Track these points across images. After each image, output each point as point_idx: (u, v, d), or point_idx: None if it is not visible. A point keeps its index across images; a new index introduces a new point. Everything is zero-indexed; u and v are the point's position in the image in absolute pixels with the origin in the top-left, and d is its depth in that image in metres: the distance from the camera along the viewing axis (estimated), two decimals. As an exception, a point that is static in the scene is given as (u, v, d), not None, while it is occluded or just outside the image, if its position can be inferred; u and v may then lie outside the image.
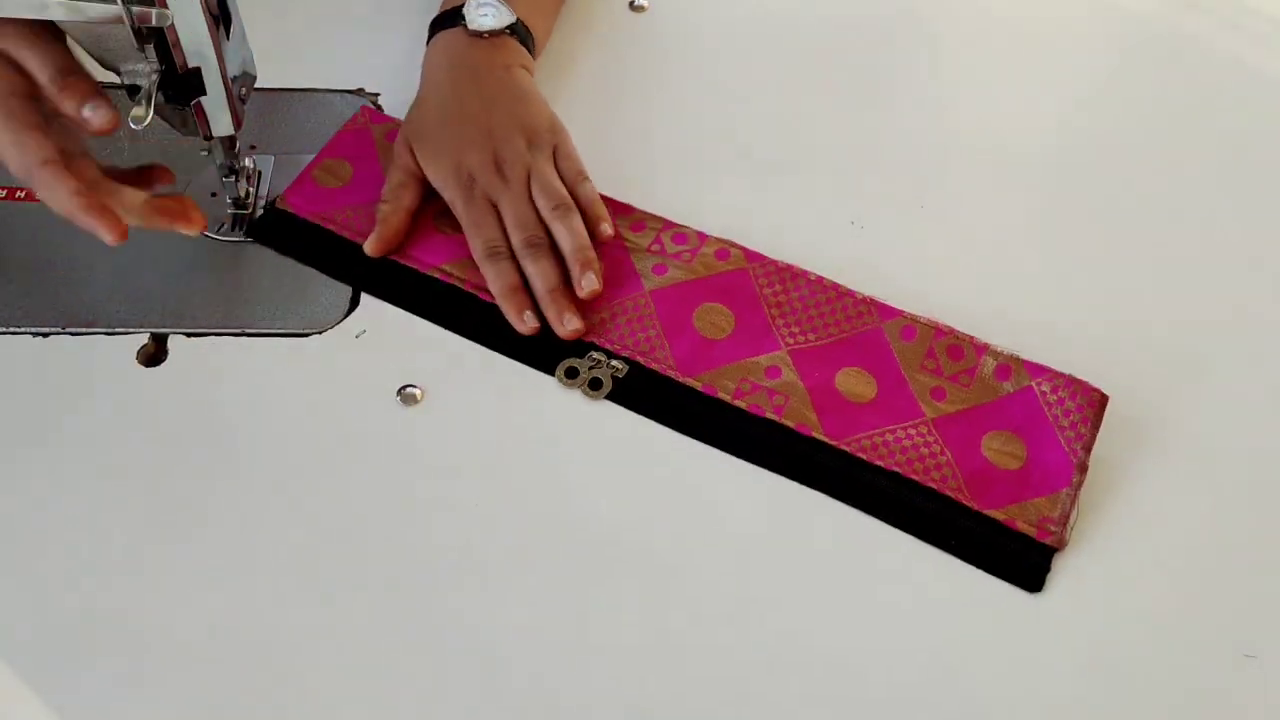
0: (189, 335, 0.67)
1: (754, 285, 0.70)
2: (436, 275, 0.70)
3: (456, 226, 0.71)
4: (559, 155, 0.73)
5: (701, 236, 0.72)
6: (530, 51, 0.78)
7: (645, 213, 0.73)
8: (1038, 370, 0.65)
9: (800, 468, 0.63)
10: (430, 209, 0.72)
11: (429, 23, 0.78)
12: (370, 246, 0.70)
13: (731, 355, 0.67)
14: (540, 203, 0.70)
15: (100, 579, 0.58)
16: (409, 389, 0.65)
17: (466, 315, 0.68)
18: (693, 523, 0.61)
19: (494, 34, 0.76)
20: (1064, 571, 0.60)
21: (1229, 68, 0.87)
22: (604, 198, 0.73)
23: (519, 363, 0.67)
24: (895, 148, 0.79)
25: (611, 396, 0.65)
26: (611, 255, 0.71)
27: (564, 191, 0.70)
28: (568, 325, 0.67)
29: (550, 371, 0.66)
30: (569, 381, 0.66)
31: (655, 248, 0.71)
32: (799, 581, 0.60)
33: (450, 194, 0.70)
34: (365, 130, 0.76)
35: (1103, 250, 0.73)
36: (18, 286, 0.68)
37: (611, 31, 0.86)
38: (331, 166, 0.74)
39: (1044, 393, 0.65)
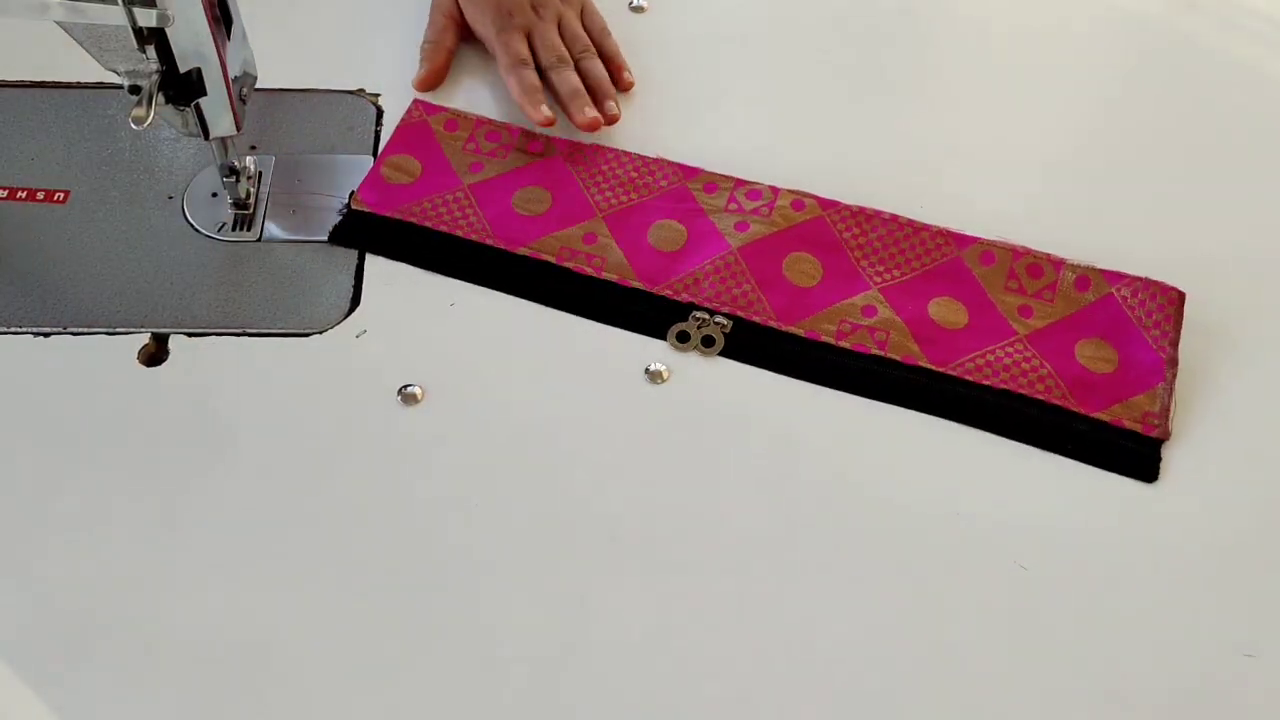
0: (189, 335, 0.67)
1: (834, 231, 0.72)
2: (526, 253, 0.71)
3: (536, 208, 0.73)
4: (585, 13, 0.83)
5: (774, 190, 0.74)
6: None
7: (714, 173, 0.75)
8: (1115, 277, 0.70)
9: (914, 396, 0.66)
10: (510, 193, 0.74)
11: None
12: (417, 82, 0.79)
13: (826, 300, 0.69)
14: (570, 44, 0.80)
15: (100, 579, 0.58)
16: (409, 389, 0.65)
17: (564, 289, 0.70)
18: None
19: None
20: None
21: (1229, 68, 0.87)
22: (673, 163, 0.75)
23: (522, 359, 0.67)
24: (895, 148, 0.79)
25: (724, 352, 0.67)
26: (692, 217, 0.73)
27: (589, 41, 0.81)
28: (588, 113, 0.75)
29: (661, 336, 0.68)
30: (682, 345, 0.67)
31: (732, 206, 0.73)
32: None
33: (487, 25, 0.80)
34: (423, 123, 0.77)
35: (1098, 255, 0.73)
36: (18, 286, 0.68)
37: (612, 32, 0.86)
38: (398, 163, 0.75)
39: (1124, 297, 0.69)
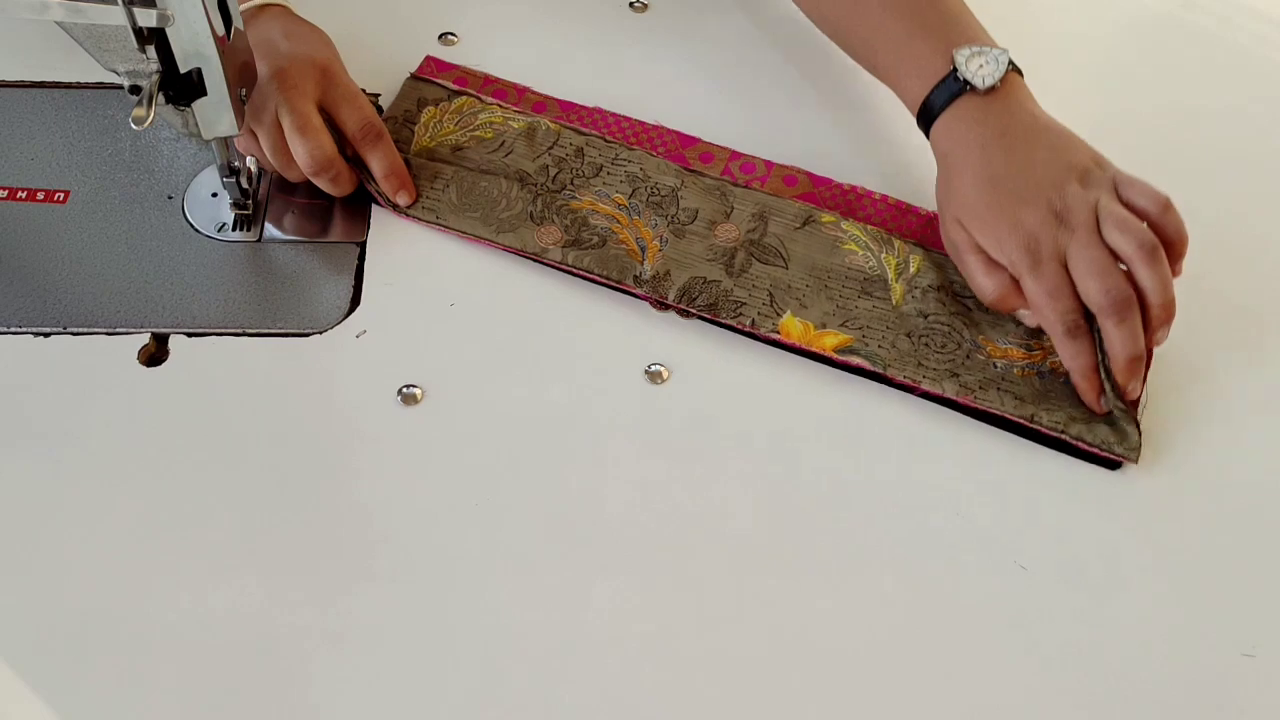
0: (189, 335, 0.67)
1: (823, 207, 0.73)
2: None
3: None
4: (1122, 185, 0.65)
5: (768, 164, 0.76)
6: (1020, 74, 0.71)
7: (710, 143, 0.77)
8: None
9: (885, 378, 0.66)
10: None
11: (920, 111, 0.71)
12: None
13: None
14: (1119, 242, 0.62)
15: (100, 579, 0.58)
16: (409, 389, 0.65)
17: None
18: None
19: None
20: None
21: (1228, 68, 0.87)
22: (671, 130, 0.77)
23: (522, 360, 0.67)
24: (895, 148, 0.79)
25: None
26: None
27: (1145, 228, 0.63)
28: (1131, 394, 0.62)
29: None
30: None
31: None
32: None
33: (1014, 259, 0.64)
34: (434, 79, 0.80)
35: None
36: (18, 286, 0.68)
37: (611, 31, 0.86)
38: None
39: None
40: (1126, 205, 0.64)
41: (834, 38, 0.79)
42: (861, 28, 0.76)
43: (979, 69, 0.68)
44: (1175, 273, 0.64)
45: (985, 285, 0.66)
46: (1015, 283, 0.65)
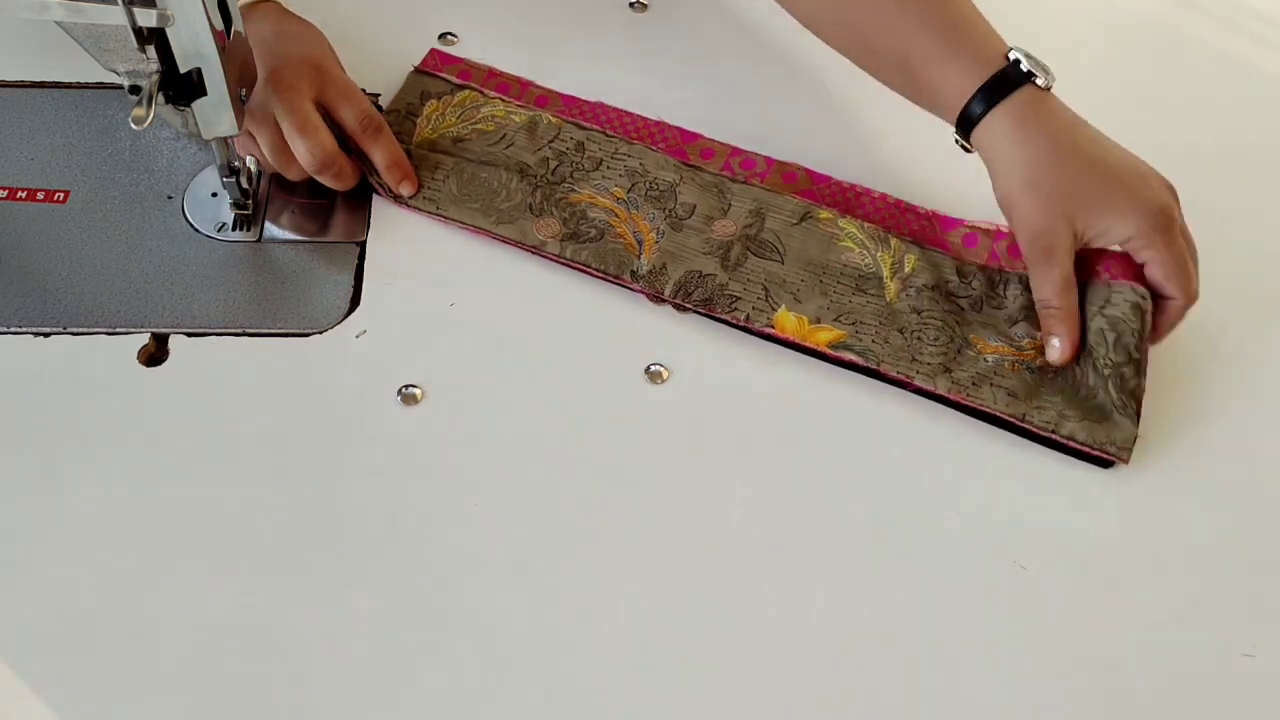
0: (189, 335, 0.67)
1: (821, 204, 0.73)
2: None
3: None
4: None
5: (769, 161, 0.76)
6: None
7: (711, 140, 0.77)
8: (1096, 271, 0.68)
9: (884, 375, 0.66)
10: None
11: (965, 108, 0.68)
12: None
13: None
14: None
15: (100, 579, 0.58)
16: (409, 389, 0.65)
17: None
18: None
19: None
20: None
21: (1229, 68, 0.87)
22: (673, 126, 0.77)
23: (522, 359, 0.67)
24: (896, 149, 0.79)
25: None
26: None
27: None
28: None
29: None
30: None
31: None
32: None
33: (1141, 231, 0.65)
34: (438, 73, 0.80)
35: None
36: (18, 286, 0.68)
37: (611, 31, 0.86)
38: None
39: None
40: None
41: (850, 53, 0.77)
42: (891, 42, 0.73)
43: (1036, 65, 0.68)
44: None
45: (1060, 303, 0.65)
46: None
